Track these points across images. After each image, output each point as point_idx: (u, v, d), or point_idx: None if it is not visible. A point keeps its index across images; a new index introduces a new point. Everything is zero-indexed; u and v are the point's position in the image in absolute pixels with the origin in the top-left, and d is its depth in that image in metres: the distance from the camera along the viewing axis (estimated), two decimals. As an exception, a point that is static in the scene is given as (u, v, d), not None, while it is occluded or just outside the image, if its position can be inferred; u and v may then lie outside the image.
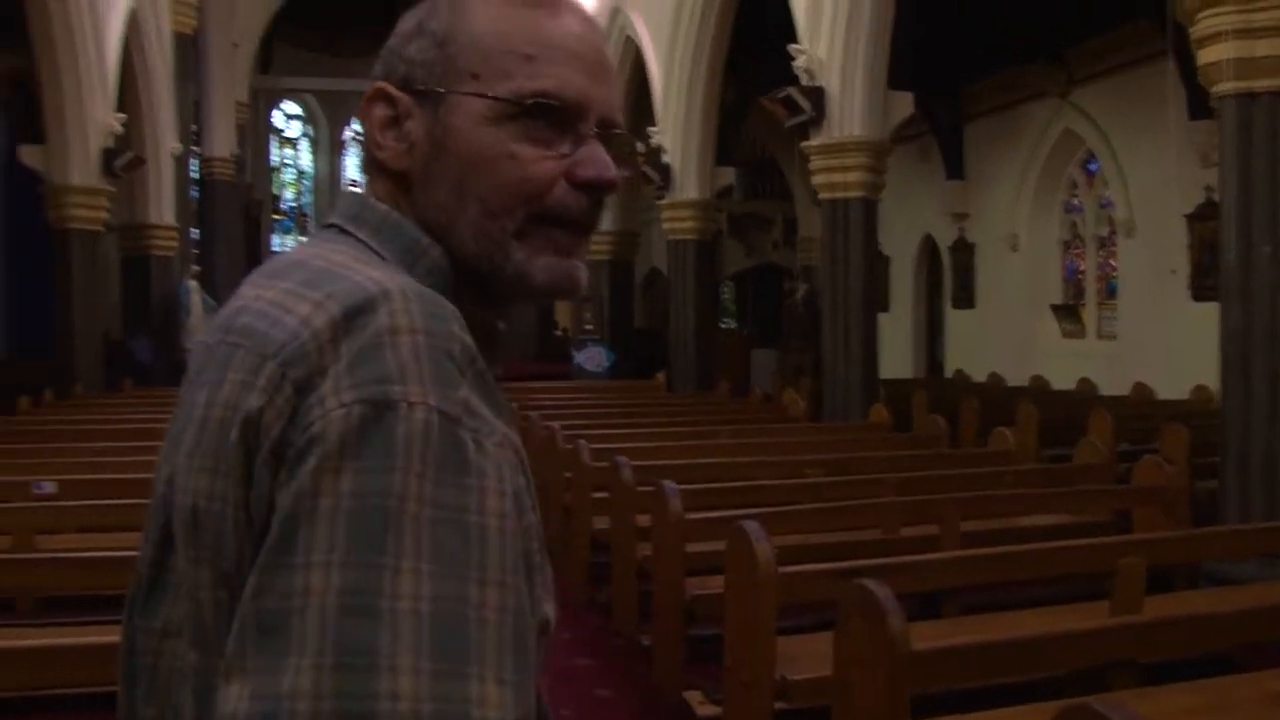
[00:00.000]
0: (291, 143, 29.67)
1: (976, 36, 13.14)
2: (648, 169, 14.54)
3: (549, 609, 0.86)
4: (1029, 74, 14.33)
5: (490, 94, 0.93)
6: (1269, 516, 5.76)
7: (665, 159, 14.42)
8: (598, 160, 0.95)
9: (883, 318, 13.54)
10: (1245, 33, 5.72)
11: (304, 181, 29.83)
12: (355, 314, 0.79)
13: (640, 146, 19.68)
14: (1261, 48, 5.72)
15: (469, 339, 0.82)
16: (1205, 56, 5.93)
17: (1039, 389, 13.35)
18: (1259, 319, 5.82)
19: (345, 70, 24.56)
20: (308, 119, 29.71)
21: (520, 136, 0.93)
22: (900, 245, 17.13)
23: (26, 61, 11.69)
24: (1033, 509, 6.00)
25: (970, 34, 12.98)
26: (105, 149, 12.57)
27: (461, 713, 0.70)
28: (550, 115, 0.94)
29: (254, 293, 0.86)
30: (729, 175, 15.61)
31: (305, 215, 29.68)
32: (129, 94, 14.18)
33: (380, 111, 0.97)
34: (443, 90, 0.94)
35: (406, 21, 0.99)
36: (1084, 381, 13.29)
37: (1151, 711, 3.68)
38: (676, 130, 14.16)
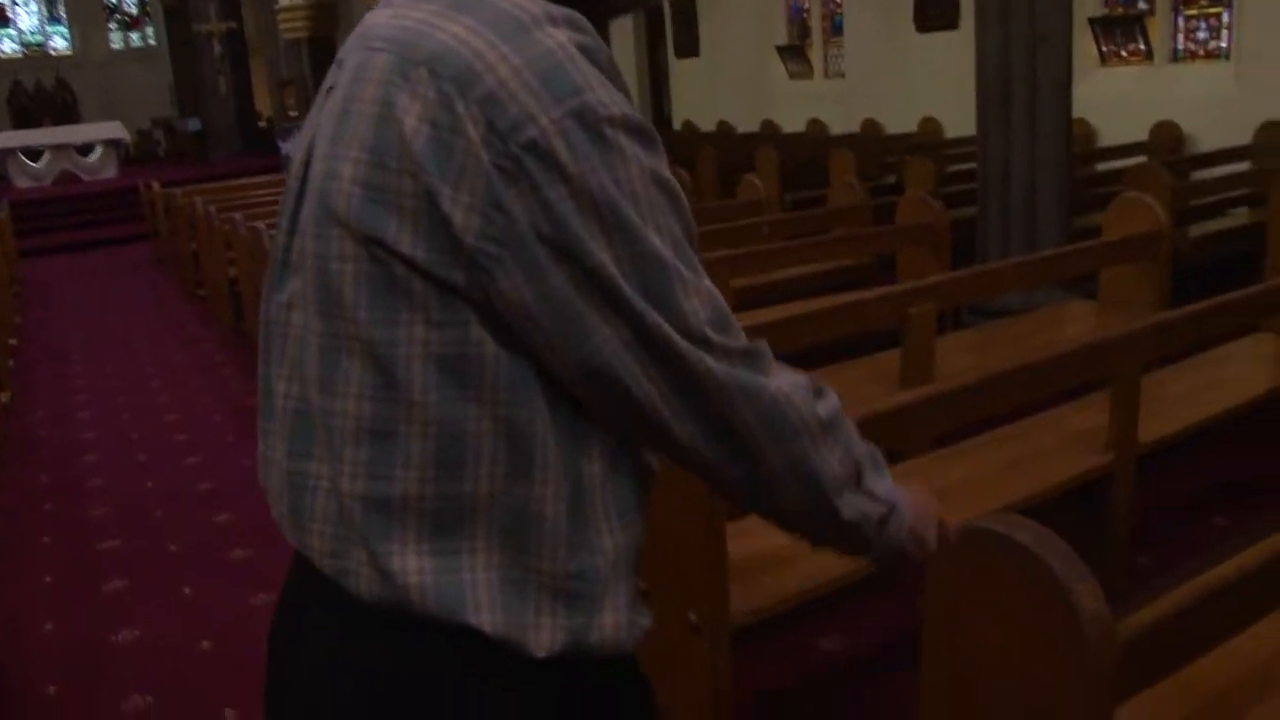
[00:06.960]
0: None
1: None
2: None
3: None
4: None
5: None
6: (1029, 248, 5.67)
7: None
8: None
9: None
10: None
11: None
12: (515, 36, 0.90)
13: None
14: None
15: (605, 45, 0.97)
16: None
17: (771, 133, 13.14)
18: (1016, 43, 5.54)
19: None
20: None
21: None
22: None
23: None
24: (795, 260, 5.69)
25: None
26: None
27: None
28: None
29: (389, 15, 0.96)
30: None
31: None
32: None
33: None
34: None
35: None
36: (814, 122, 13.13)
37: (968, 473, 3.44)
38: None
